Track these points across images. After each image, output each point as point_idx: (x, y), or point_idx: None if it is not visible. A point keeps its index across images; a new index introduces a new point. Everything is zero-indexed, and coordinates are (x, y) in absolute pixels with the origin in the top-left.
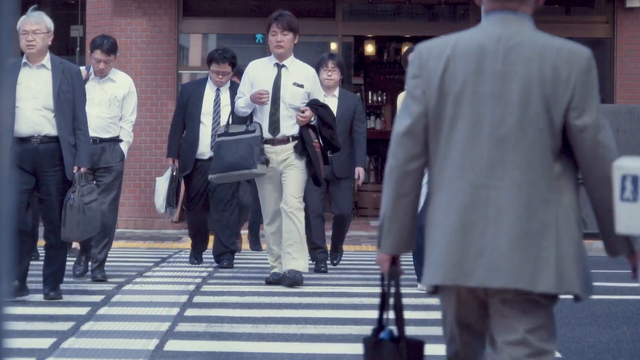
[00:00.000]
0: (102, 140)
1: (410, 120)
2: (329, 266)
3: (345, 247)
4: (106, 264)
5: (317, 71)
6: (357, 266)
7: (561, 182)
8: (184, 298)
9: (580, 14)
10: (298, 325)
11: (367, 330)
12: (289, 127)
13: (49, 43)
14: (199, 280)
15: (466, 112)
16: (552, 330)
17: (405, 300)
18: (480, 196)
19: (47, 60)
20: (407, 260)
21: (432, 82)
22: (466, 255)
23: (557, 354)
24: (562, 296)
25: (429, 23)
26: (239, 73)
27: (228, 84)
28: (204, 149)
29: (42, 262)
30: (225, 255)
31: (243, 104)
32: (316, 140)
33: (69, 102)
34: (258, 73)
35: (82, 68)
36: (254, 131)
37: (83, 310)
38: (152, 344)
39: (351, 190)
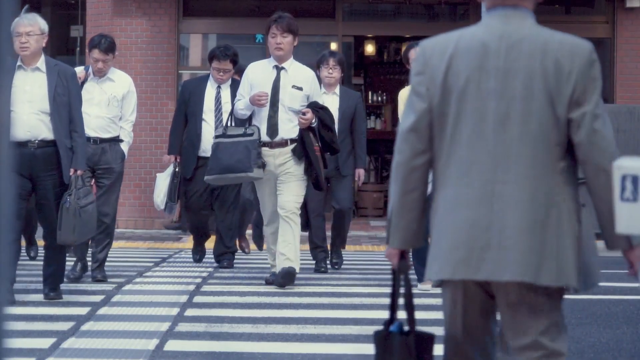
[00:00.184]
0: (102, 140)
1: (414, 116)
2: (328, 266)
3: (345, 247)
4: (106, 264)
5: (318, 68)
6: (357, 266)
7: (565, 176)
8: (184, 298)
9: (580, 14)
10: (298, 325)
11: (367, 330)
12: (288, 130)
13: (43, 45)
14: (199, 280)
15: (470, 109)
16: (563, 328)
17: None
18: (486, 191)
19: (41, 62)
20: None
21: (435, 79)
22: (473, 250)
23: None
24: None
25: (429, 23)
26: (240, 71)
27: (229, 82)
28: (207, 146)
29: (41, 262)
30: (225, 256)
31: (242, 106)
32: (317, 144)
33: (65, 105)
34: (257, 75)
35: (81, 68)
36: (252, 134)
37: (83, 310)
38: (152, 344)
39: (352, 186)
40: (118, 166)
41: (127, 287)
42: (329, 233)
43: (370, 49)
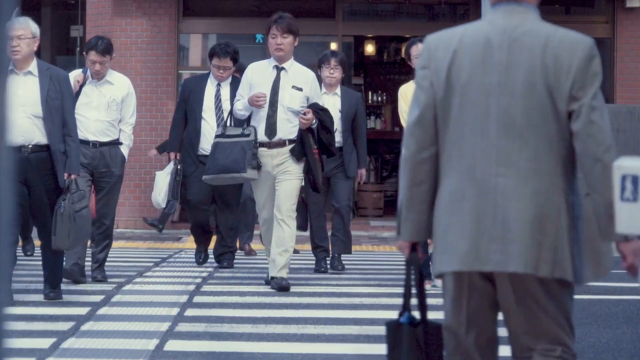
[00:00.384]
0: (101, 144)
1: (419, 110)
2: (329, 267)
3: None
4: (106, 263)
5: (319, 68)
6: (357, 266)
7: (566, 170)
8: (184, 298)
9: (580, 14)
10: (298, 325)
11: (367, 330)
12: (286, 130)
13: (35, 49)
14: (199, 280)
15: (473, 102)
16: (572, 325)
17: None
18: (489, 183)
19: (33, 66)
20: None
21: (439, 73)
22: (480, 242)
23: None
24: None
25: (429, 23)
26: (240, 70)
27: (229, 80)
28: (206, 144)
29: (41, 262)
30: (225, 256)
31: (241, 107)
32: (315, 146)
33: (58, 109)
34: (257, 75)
35: (79, 71)
36: (249, 135)
37: (83, 310)
38: (152, 344)
39: (352, 186)
40: (118, 170)
41: (127, 287)
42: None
43: (370, 49)
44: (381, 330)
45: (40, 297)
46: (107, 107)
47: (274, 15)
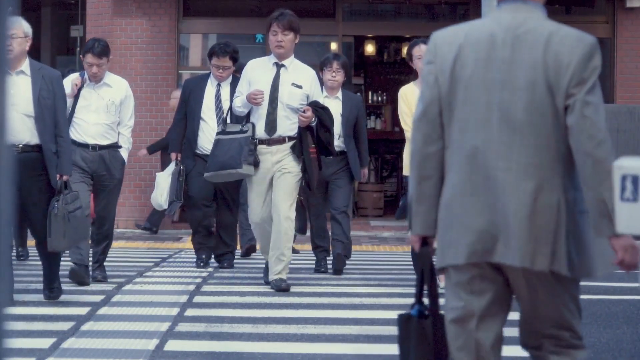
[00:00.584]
0: (101, 147)
1: (424, 105)
2: (329, 267)
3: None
4: (106, 263)
5: (321, 71)
6: (357, 266)
7: (566, 166)
8: (184, 298)
9: (580, 14)
10: (298, 325)
11: (367, 330)
12: (286, 127)
13: (27, 48)
14: (199, 280)
15: (476, 97)
16: (579, 319)
17: (405, 300)
18: (491, 178)
19: (25, 66)
20: (406, 260)
21: (444, 69)
22: (484, 234)
23: None
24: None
25: (429, 23)
26: (241, 69)
27: (229, 79)
28: (205, 144)
29: (39, 262)
30: (225, 256)
31: (239, 104)
32: (313, 145)
33: (50, 108)
34: (256, 72)
35: (76, 75)
36: (247, 131)
37: (83, 310)
38: (152, 344)
39: (351, 188)
40: (118, 173)
41: (127, 287)
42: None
43: (370, 49)
44: (381, 330)
45: (40, 297)
46: (106, 109)
47: (275, 12)
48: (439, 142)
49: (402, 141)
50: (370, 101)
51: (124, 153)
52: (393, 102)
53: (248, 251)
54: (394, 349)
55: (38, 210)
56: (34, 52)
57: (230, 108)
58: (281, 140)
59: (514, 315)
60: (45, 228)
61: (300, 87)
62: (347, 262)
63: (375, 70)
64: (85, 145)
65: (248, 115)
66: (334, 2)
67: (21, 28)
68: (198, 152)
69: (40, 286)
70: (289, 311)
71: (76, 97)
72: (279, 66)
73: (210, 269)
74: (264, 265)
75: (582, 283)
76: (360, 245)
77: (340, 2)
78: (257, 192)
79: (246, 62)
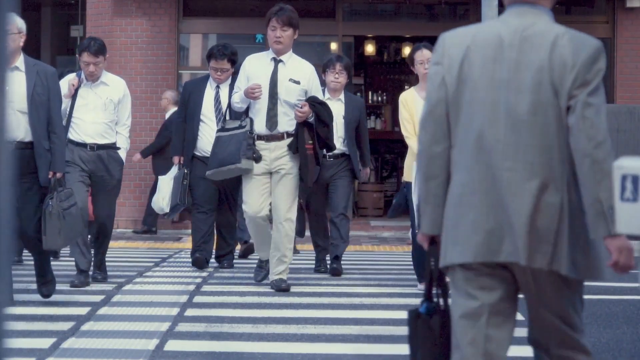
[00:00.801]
0: (99, 146)
1: (431, 105)
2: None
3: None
4: (106, 263)
5: (324, 73)
6: (357, 266)
7: (572, 166)
8: (184, 298)
9: (580, 14)
10: (298, 325)
11: (367, 330)
12: (285, 123)
13: (21, 44)
14: (199, 280)
15: (483, 98)
16: (581, 321)
17: (405, 300)
18: (496, 177)
19: (20, 62)
20: (406, 260)
21: (452, 69)
22: (491, 234)
23: None
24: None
25: (429, 23)
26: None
27: (228, 81)
28: (205, 146)
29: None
30: (225, 256)
31: (238, 99)
32: (310, 142)
33: (44, 104)
34: (254, 67)
35: (73, 75)
36: (245, 126)
37: (83, 310)
38: (152, 344)
39: (350, 190)
40: (117, 173)
41: (127, 287)
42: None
43: (370, 49)
44: (381, 330)
45: (40, 297)
46: (104, 108)
47: (274, 7)
48: (446, 141)
49: (402, 141)
50: (370, 101)
51: (122, 154)
52: (393, 102)
53: (245, 252)
54: (394, 349)
55: (28, 208)
56: (34, 52)
57: (229, 106)
58: (280, 137)
59: (517, 316)
60: (36, 225)
61: (298, 82)
62: (347, 262)
63: (375, 70)
64: (83, 145)
65: (247, 110)
66: (334, 2)
67: (15, 24)
68: (198, 154)
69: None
70: (289, 311)
71: (74, 96)
72: (276, 61)
73: (210, 269)
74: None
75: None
76: (360, 245)
77: (340, 2)
78: (254, 185)
79: None
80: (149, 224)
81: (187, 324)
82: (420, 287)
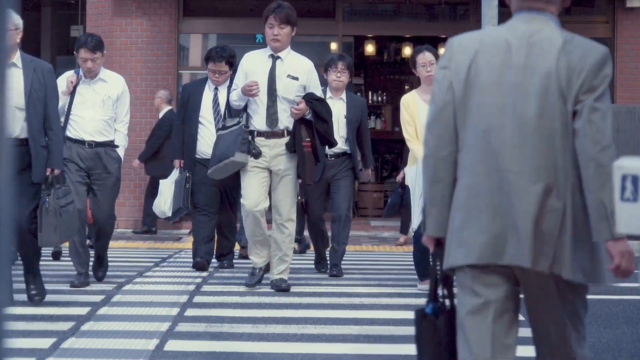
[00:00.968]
0: (97, 144)
1: (438, 109)
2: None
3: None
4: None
5: (326, 72)
6: (357, 266)
7: (577, 171)
8: (184, 298)
9: (580, 14)
10: (298, 325)
11: (367, 330)
12: (285, 119)
13: (18, 41)
14: (199, 280)
15: (491, 102)
16: (583, 328)
17: (405, 300)
18: (503, 180)
19: (17, 58)
20: (406, 260)
21: (460, 73)
22: (496, 236)
23: None
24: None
25: (429, 23)
26: None
27: (227, 83)
28: (206, 149)
29: (41, 262)
30: (227, 255)
31: (236, 97)
32: (308, 139)
33: (41, 101)
34: (252, 65)
35: (71, 72)
36: (242, 122)
37: (83, 310)
38: (152, 344)
39: (352, 191)
40: (115, 171)
41: (127, 287)
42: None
43: (370, 49)
44: (381, 330)
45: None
46: (102, 104)
47: (272, 4)
48: (452, 145)
49: (402, 141)
50: (370, 101)
51: (121, 151)
52: (393, 102)
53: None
54: (394, 349)
55: (24, 200)
56: (34, 52)
57: (228, 106)
58: (280, 134)
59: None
60: (30, 218)
61: (296, 78)
62: (347, 262)
63: (375, 70)
64: (81, 142)
65: (246, 108)
66: (334, 2)
67: (11, 20)
68: (197, 156)
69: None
70: (289, 311)
71: (72, 94)
72: (274, 58)
73: (210, 269)
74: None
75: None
76: (360, 245)
77: (340, 2)
78: (253, 178)
79: None
80: (149, 224)
81: (187, 324)
82: (421, 287)
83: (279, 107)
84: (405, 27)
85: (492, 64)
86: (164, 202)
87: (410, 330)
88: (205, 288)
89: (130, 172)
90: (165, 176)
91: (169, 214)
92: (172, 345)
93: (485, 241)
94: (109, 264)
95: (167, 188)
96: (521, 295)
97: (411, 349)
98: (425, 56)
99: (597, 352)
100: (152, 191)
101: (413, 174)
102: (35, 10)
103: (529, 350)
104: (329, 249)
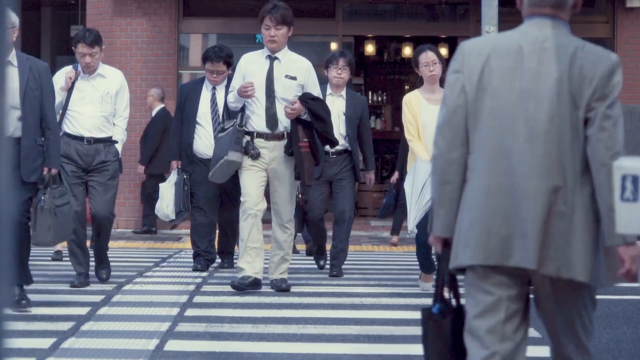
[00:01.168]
0: (96, 140)
1: (449, 112)
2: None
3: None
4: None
5: (326, 69)
6: (357, 266)
7: (586, 176)
8: (184, 298)
9: (580, 14)
10: (298, 325)
11: (367, 330)
12: (284, 120)
13: (14, 39)
14: (199, 280)
15: (502, 106)
16: (591, 328)
17: (405, 300)
18: (513, 183)
19: (12, 56)
20: (406, 260)
21: (472, 77)
22: (503, 238)
23: None
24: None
25: (429, 23)
26: None
27: (224, 83)
28: (204, 149)
29: (41, 262)
30: (226, 255)
31: (232, 99)
32: (305, 140)
33: (37, 99)
34: (250, 66)
35: (70, 67)
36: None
37: (83, 310)
38: (152, 344)
39: (353, 192)
40: (113, 165)
41: (127, 287)
42: (330, 233)
43: (370, 49)
44: (381, 330)
45: (40, 297)
46: (101, 100)
47: (267, 5)
48: (463, 147)
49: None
50: (370, 101)
51: (119, 147)
52: (393, 102)
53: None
54: (394, 349)
55: (18, 193)
56: (34, 52)
57: (226, 107)
58: (280, 136)
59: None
60: (24, 210)
61: (294, 78)
62: (347, 262)
63: (375, 70)
64: (80, 138)
65: (243, 109)
66: (334, 2)
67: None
68: (196, 157)
69: (40, 286)
70: (289, 311)
71: (70, 89)
72: (272, 59)
73: (210, 269)
74: (264, 266)
75: None
76: (360, 245)
77: (340, 2)
78: (252, 176)
79: None
80: (149, 224)
81: (187, 324)
82: (422, 287)
83: (278, 108)
84: (405, 27)
85: (504, 68)
86: (167, 205)
87: (410, 330)
88: (205, 288)
89: (131, 172)
90: (164, 175)
91: (173, 216)
92: (172, 345)
93: (493, 243)
94: (110, 263)
95: (167, 191)
96: (531, 296)
97: (411, 349)
98: (428, 55)
99: (597, 352)
100: (147, 192)
101: (411, 174)
102: (35, 10)
103: (535, 351)
104: (329, 249)
